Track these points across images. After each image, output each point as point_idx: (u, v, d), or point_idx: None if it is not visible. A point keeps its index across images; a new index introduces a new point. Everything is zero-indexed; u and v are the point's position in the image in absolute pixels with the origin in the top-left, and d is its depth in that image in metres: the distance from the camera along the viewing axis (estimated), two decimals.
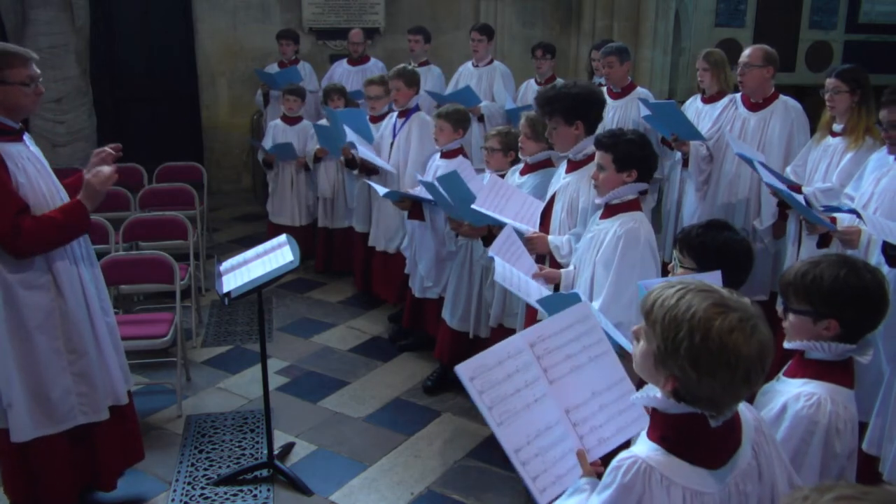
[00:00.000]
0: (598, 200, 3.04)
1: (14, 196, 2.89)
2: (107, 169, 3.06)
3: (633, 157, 2.91)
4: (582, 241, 3.13)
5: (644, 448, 1.58)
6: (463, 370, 1.73)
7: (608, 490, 1.56)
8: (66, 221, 2.99)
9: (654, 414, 1.61)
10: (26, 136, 3.09)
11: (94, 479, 3.38)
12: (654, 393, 1.58)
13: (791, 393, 1.97)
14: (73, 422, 3.16)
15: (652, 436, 1.60)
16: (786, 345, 2.05)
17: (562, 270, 3.26)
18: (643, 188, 3.02)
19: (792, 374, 2.04)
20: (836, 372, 1.98)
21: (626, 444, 1.79)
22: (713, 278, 2.18)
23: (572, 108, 3.31)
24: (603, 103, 3.50)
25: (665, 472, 1.53)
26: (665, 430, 1.57)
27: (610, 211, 3.00)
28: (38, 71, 2.99)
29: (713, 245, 2.36)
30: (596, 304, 2.86)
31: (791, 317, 2.02)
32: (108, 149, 3.18)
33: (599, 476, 1.76)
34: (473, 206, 3.58)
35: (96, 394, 3.21)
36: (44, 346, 3.05)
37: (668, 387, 1.53)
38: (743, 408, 1.67)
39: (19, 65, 2.90)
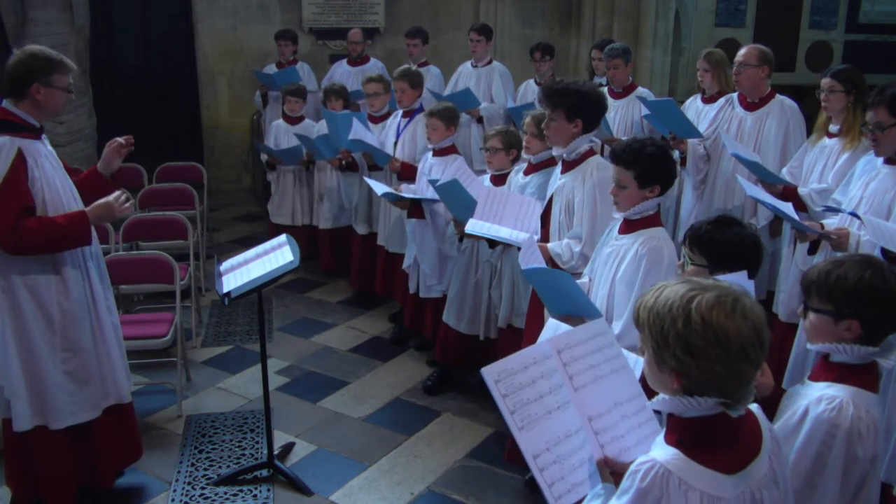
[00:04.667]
0: (616, 215, 2.93)
1: (23, 194, 2.96)
2: (127, 204, 3.24)
3: (656, 172, 2.76)
4: (599, 255, 3.03)
5: (662, 452, 1.58)
6: (488, 373, 1.73)
7: (626, 495, 1.55)
8: (69, 229, 3.04)
9: (671, 418, 1.61)
10: (43, 135, 3.17)
11: (92, 476, 3.39)
12: (665, 397, 1.58)
13: (813, 396, 1.96)
14: (63, 422, 3.18)
15: (669, 439, 1.60)
16: (808, 346, 2.05)
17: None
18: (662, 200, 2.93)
19: (816, 378, 2.03)
20: (859, 375, 1.96)
21: None
22: (739, 278, 2.18)
23: (579, 105, 3.27)
24: (605, 109, 3.48)
25: (683, 477, 1.52)
26: (681, 433, 1.58)
27: (629, 226, 2.86)
28: (71, 80, 3.19)
29: (723, 241, 2.38)
30: (616, 326, 2.78)
31: (811, 316, 2.01)
32: (120, 140, 3.32)
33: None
34: (467, 230, 3.59)
35: (88, 393, 3.23)
36: (40, 342, 3.08)
37: (675, 385, 1.54)
38: (761, 415, 1.68)
39: (64, 72, 3.11)
